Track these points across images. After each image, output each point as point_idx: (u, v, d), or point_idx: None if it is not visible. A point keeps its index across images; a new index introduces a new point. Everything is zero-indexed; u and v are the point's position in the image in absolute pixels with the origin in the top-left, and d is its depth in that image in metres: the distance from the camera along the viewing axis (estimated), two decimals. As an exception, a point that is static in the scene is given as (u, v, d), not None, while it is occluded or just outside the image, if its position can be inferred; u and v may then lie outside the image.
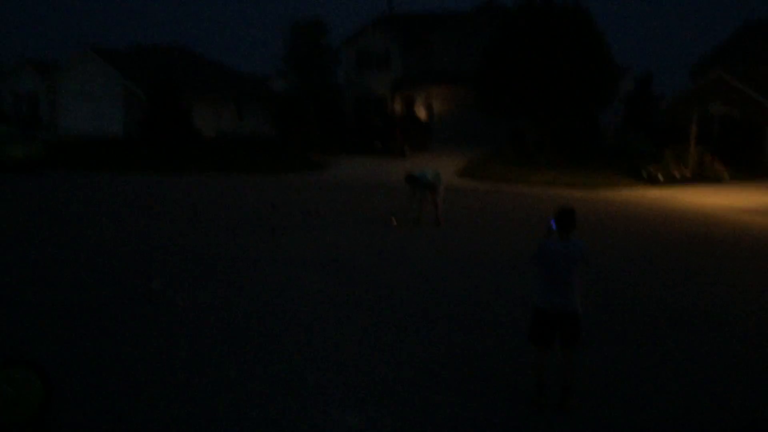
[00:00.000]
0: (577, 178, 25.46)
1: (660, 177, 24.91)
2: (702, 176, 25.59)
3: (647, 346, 7.76)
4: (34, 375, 5.62)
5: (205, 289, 9.50)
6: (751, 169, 28.04)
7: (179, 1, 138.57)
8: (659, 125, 34.09)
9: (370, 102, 43.44)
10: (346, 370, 6.78)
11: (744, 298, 9.93)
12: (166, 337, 7.60)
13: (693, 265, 12.01)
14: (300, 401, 6.05)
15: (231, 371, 6.66)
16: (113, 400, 5.99)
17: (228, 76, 45.23)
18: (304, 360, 7.00)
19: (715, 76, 31.86)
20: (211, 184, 21.86)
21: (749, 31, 35.65)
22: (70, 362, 6.78)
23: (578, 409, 6.06)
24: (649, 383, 6.71)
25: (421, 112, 40.46)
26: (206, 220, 14.84)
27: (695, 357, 7.48)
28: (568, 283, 6.14)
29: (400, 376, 6.69)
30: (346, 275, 10.44)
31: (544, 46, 30.56)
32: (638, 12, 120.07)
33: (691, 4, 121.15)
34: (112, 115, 37.51)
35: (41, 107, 41.37)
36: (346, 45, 44.10)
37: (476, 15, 41.09)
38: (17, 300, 8.83)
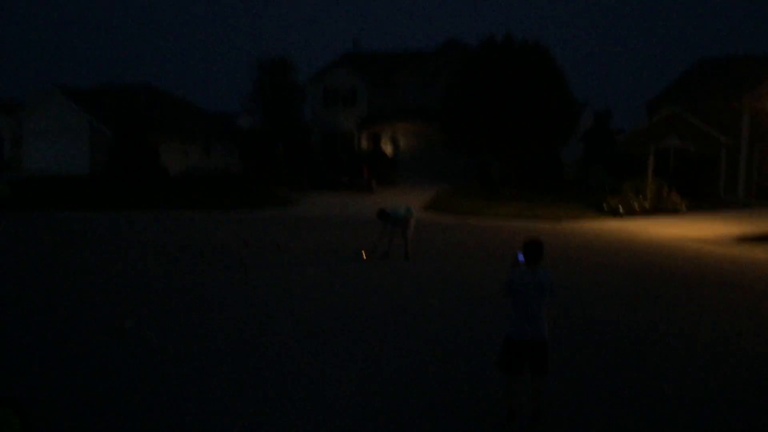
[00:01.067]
0: (542, 211, 26.07)
1: (620, 209, 25.65)
2: (660, 208, 26.40)
3: (618, 367, 8.10)
4: (12, 413, 5.70)
5: (178, 328, 9.62)
6: (706, 201, 29.02)
7: (146, 40, 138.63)
8: (618, 159, 35.11)
9: (337, 138, 43.95)
10: (324, 408, 6.98)
11: (707, 319, 10.37)
12: (141, 376, 7.71)
13: (656, 290, 12.45)
14: (280, 432, 6.21)
15: (201, 413, 6.81)
16: (96, 436, 6.09)
17: (195, 113, 45.46)
18: (279, 398, 7.17)
19: (669, 112, 33.06)
20: (179, 221, 21.91)
21: (703, 68, 37.08)
22: (46, 400, 6.86)
23: (547, 433, 6.33)
24: (621, 405, 7.03)
25: (388, 148, 41.04)
26: (176, 257, 14.91)
27: (668, 376, 7.82)
28: (538, 312, 6.46)
29: (373, 402, 6.90)
30: (318, 310, 10.64)
31: (506, 82, 31.45)
32: (596, 50, 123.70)
33: (646, 43, 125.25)
34: (78, 154, 37.37)
35: (4, 146, 41.01)
36: (313, 82, 44.69)
37: (440, 53, 42.08)
38: (-8, 340, 8.85)
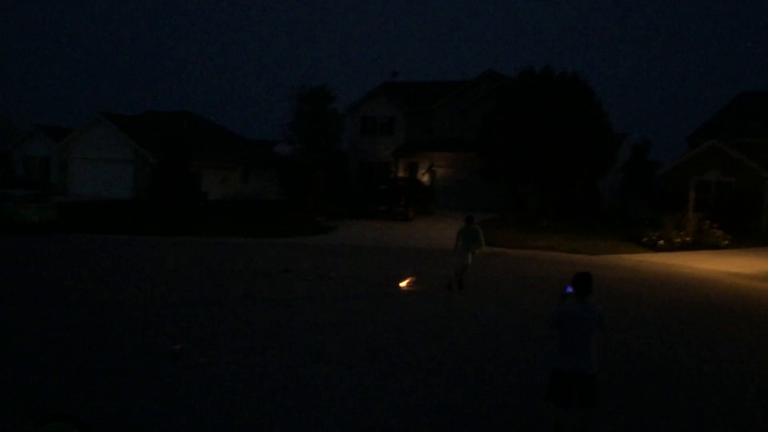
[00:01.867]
0: (580, 243, 25.93)
1: (661, 243, 25.38)
2: (701, 242, 26.05)
3: (665, 403, 8.08)
4: (74, 429, 5.94)
5: (227, 352, 9.83)
6: (748, 236, 28.59)
7: (188, 68, 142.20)
8: (657, 192, 34.84)
9: (374, 166, 44.38)
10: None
11: (755, 359, 10.26)
12: (194, 396, 7.92)
13: (703, 328, 12.34)
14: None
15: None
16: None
17: (234, 140, 46.35)
18: (326, 417, 7.31)
19: (711, 145, 32.77)
20: (221, 247, 22.28)
21: (744, 102, 36.79)
22: (105, 418, 7.09)
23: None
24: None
25: (425, 177, 41.29)
26: (221, 283, 15.20)
27: (717, 416, 7.78)
28: (586, 345, 6.53)
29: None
30: (361, 338, 10.78)
31: (544, 113, 31.57)
32: (635, 81, 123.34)
33: (686, 76, 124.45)
34: (122, 179, 38.32)
35: (52, 171, 42.22)
36: (351, 111, 45.33)
37: (477, 84, 42.40)
38: (48, 359, 9.15)
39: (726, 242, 26.28)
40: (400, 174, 42.33)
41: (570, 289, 6.76)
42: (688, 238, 26.10)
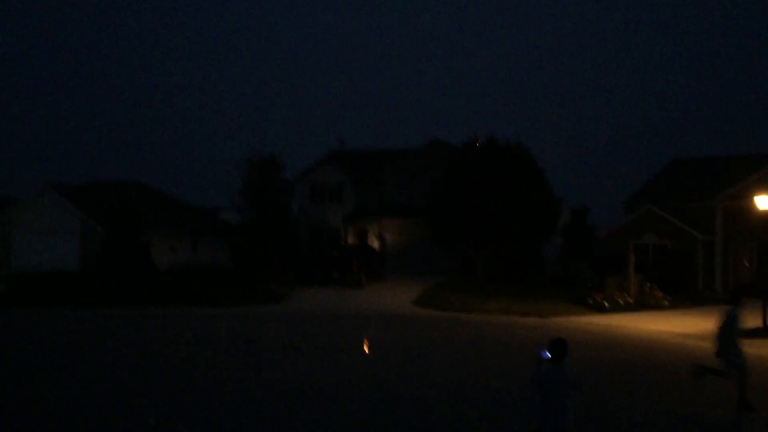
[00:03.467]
0: (529, 306, 26.66)
1: (606, 304, 26.37)
2: (644, 303, 27.17)
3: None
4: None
5: (203, 425, 9.95)
6: (686, 296, 29.96)
7: (132, 136, 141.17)
8: (598, 255, 36.25)
9: (325, 233, 44.85)
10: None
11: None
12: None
13: (666, 386, 13.02)
14: None
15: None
16: None
17: (182, 208, 46.26)
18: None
19: (646, 209, 34.54)
20: (177, 318, 22.17)
21: (675, 168, 39.00)
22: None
23: None
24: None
25: (375, 243, 41.90)
26: (185, 354, 15.22)
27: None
28: (563, 405, 7.07)
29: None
30: (337, 403, 11.04)
31: (489, 181, 32.85)
32: (573, 147, 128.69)
33: (620, 144, 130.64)
34: (69, 250, 37.64)
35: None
36: (300, 179, 45.94)
37: (424, 152, 43.69)
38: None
39: (666, 303, 27.47)
40: (351, 240, 42.87)
41: (545, 354, 7.31)
42: (630, 300, 27.21)
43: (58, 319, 21.43)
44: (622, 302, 26.77)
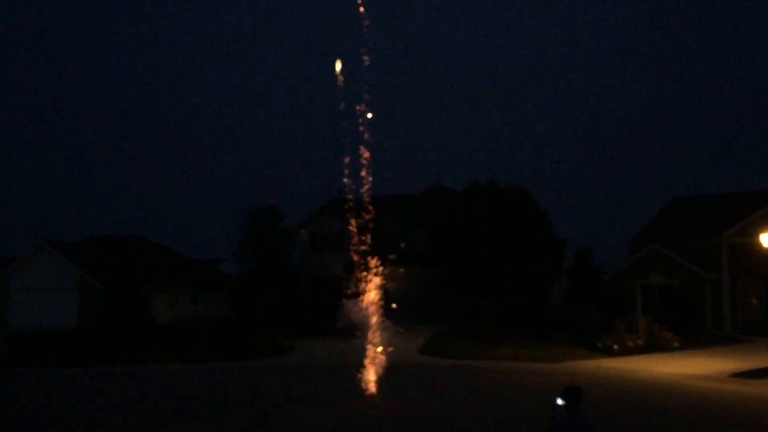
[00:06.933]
0: (537, 351, 26.19)
1: (615, 347, 25.88)
2: (653, 345, 26.69)
3: None
4: None
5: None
6: (696, 336, 29.49)
7: (128, 190, 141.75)
8: (604, 296, 35.84)
9: (326, 282, 44.42)
10: None
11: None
12: None
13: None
14: None
15: None
16: None
17: (181, 262, 46.00)
18: None
19: (651, 249, 34.32)
20: (184, 374, 21.66)
21: (676, 207, 38.91)
22: None
23: None
24: None
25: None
26: (195, 410, 14.78)
27: None
28: (579, 454, 6.73)
29: None
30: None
31: (492, 224, 32.63)
32: (574, 188, 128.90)
33: (621, 184, 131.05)
34: (67, 307, 37.24)
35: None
36: (300, 228, 45.77)
37: (425, 197, 43.60)
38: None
39: (676, 344, 26.98)
40: (352, 289, 42.44)
41: (559, 401, 7.01)
42: (640, 342, 26.73)
43: (59, 379, 20.97)
44: (631, 344, 26.30)
